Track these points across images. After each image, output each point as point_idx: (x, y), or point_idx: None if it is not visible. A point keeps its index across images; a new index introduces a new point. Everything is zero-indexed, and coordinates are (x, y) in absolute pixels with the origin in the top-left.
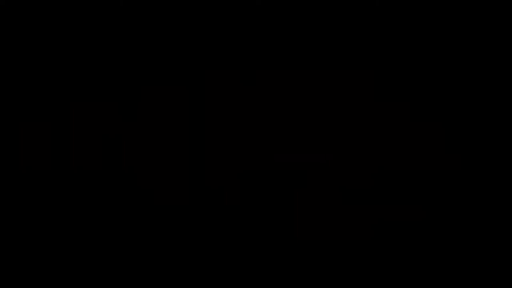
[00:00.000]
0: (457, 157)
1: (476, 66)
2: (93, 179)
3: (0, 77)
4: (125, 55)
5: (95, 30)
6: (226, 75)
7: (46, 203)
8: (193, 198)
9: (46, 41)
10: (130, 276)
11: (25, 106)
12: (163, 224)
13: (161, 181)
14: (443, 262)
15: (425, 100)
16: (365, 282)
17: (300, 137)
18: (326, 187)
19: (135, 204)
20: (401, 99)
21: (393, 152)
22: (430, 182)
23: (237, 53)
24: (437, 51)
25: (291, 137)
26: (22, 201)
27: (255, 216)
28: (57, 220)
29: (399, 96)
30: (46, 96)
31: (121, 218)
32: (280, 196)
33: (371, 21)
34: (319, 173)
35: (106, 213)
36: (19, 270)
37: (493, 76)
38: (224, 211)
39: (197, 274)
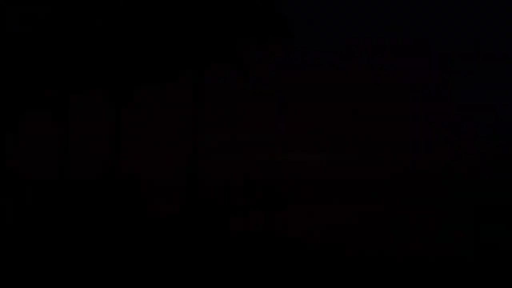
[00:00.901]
0: None
1: None
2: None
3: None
4: (122, 58)
5: (95, 37)
6: (223, 75)
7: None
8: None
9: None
10: (127, 277)
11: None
12: (160, 226)
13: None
14: None
15: None
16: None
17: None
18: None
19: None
20: None
21: None
22: None
23: (236, 53)
24: None
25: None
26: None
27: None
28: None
29: None
30: (47, 92)
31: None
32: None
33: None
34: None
35: (104, 220)
36: (19, 271)
37: None
38: (220, 214)
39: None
